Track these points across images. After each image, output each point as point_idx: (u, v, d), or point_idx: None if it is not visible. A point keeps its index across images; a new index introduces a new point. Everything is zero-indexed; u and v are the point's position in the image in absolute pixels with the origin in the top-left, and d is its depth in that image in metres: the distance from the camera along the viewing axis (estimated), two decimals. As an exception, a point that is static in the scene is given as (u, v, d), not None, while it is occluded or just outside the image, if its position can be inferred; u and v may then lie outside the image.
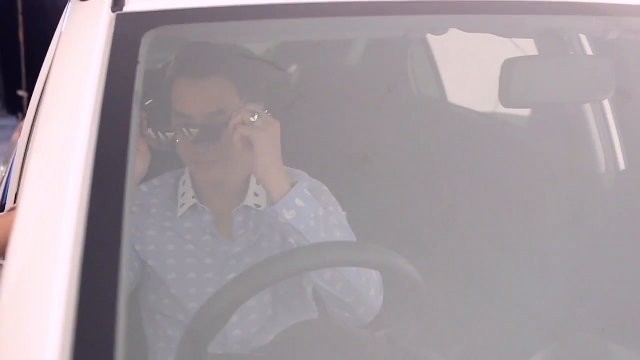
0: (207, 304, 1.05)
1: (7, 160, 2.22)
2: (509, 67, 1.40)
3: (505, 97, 1.40)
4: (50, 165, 0.85)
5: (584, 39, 1.85)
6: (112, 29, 1.01)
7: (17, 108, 6.24)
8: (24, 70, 5.87)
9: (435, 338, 1.34)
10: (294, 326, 1.29)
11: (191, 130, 1.28)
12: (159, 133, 1.28)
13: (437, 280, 1.34)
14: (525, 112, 2.19)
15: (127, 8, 1.07)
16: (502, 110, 1.71)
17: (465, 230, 1.65)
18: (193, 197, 1.38)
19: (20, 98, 6.02)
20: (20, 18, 5.75)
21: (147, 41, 0.98)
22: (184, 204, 1.38)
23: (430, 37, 2.39)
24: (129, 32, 1.00)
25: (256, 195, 1.38)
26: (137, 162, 1.22)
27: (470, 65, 2.42)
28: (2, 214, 1.44)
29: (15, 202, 1.43)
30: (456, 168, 1.84)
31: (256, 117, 1.21)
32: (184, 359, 1.05)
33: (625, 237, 1.63)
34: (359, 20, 1.30)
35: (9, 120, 6.14)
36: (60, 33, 1.13)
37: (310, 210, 1.21)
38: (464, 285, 1.52)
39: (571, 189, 1.83)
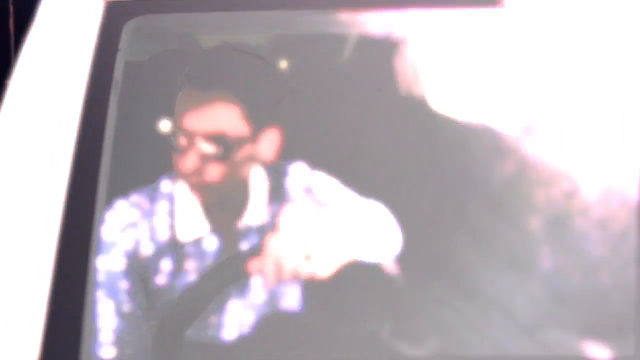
0: (183, 293, 1.05)
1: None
2: None
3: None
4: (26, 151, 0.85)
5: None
6: (94, 17, 1.01)
7: (6, 98, 6.22)
8: (13, 60, 5.85)
9: (412, 334, 1.34)
10: (273, 316, 1.29)
11: (193, 147, 1.20)
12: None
13: (418, 277, 1.35)
14: (511, 117, 2.19)
15: (110, -4, 1.07)
16: (488, 115, 1.71)
17: (448, 229, 1.65)
18: (201, 225, 1.27)
19: (9, 88, 6.00)
20: (11, 8, 5.73)
21: (128, 29, 0.98)
22: (189, 230, 1.28)
23: (419, 39, 2.38)
24: (110, 20, 0.99)
25: (258, 213, 1.31)
26: None
27: (458, 69, 2.42)
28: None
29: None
30: (442, 168, 1.84)
31: (311, 256, 1.11)
32: (160, 344, 1.05)
33: (607, 242, 1.64)
34: (350, 15, 1.30)
35: (-2, 110, 6.12)
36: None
37: None
38: (443, 283, 1.53)
39: (555, 192, 1.83)
